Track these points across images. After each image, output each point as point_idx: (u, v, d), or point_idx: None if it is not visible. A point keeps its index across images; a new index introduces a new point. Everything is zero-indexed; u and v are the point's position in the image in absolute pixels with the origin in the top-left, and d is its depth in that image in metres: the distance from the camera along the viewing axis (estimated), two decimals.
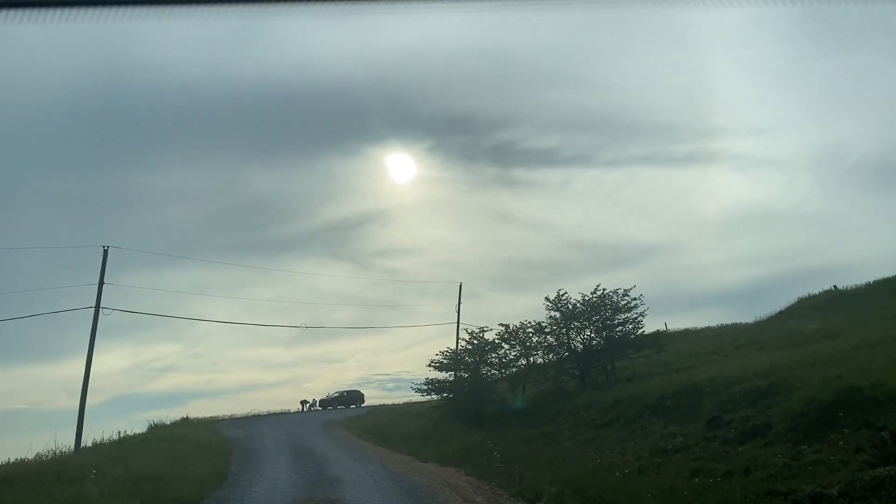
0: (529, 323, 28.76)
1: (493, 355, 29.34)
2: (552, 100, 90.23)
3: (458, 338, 54.31)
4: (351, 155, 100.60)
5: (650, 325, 31.45)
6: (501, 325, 28.93)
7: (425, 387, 29.64)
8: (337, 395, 60.96)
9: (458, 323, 58.45)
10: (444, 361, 29.65)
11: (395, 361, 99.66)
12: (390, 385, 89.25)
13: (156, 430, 26.70)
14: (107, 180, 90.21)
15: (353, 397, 60.89)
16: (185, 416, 38.67)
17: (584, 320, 28.29)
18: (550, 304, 28.71)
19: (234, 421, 44.79)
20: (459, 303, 59.22)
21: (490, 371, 29.55)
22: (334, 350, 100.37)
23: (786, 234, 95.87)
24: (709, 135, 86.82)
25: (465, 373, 29.48)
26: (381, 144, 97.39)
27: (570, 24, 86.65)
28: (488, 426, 27.19)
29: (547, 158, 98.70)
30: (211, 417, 46.82)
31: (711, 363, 27.04)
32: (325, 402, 59.88)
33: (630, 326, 27.84)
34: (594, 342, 28.45)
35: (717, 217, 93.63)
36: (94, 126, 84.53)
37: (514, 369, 29.13)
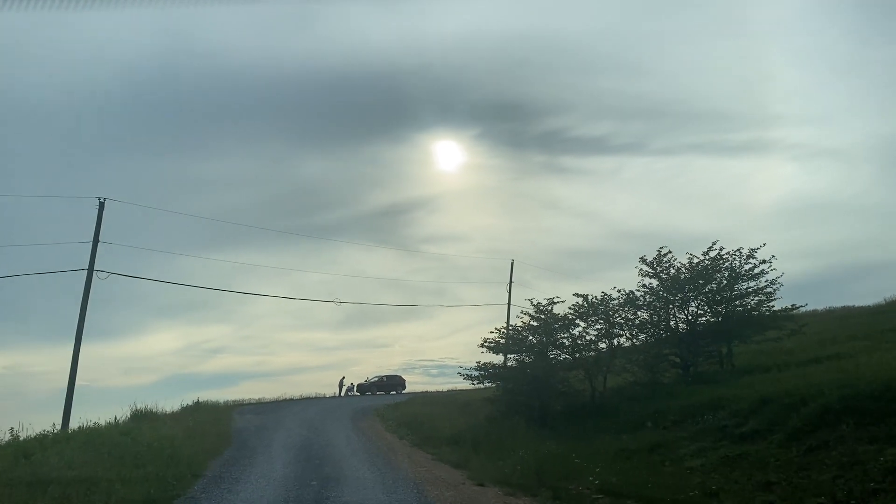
0: (619, 292, 21.94)
1: (565, 335, 22.67)
2: (603, 87, 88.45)
3: (508, 319, 48.93)
4: (399, 142, 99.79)
5: None
6: (578, 295, 22.23)
7: (476, 373, 23.19)
8: (376, 379, 55.52)
9: (508, 304, 52.80)
10: (501, 341, 23.12)
11: (439, 348, 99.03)
12: (434, 371, 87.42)
13: (141, 418, 21.12)
14: (163, 165, 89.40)
15: (394, 383, 55.41)
16: (196, 399, 33.34)
17: (691, 291, 21.32)
18: (647, 269, 21.81)
19: (258, 406, 39.42)
20: (511, 282, 53.83)
21: (560, 355, 22.91)
22: (380, 335, 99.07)
23: (844, 226, 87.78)
24: (765, 123, 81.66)
25: (527, 356, 22.89)
26: (429, 131, 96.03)
27: (623, 9, 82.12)
28: (559, 427, 20.68)
29: (597, 146, 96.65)
30: (235, 401, 41.82)
31: (870, 351, 19.86)
32: (363, 387, 54.51)
33: (755, 300, 20.73)
34: (703, 319, 21.52)
35: (773, 208, 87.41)
36: (151, 112, 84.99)
37: (591, 353, 22.45)
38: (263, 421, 28.85)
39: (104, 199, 29.02)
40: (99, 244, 28.80)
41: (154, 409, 22.56)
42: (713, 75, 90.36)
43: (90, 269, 28.43)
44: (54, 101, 73.96)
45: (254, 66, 78.32)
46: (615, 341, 22.28)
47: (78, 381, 26.87)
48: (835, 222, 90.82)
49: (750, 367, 20.45)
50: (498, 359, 23.55)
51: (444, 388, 53.12)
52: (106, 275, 29.01)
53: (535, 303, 22.52)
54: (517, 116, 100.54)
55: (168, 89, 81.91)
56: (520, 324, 23.08)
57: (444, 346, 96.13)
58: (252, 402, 43.69)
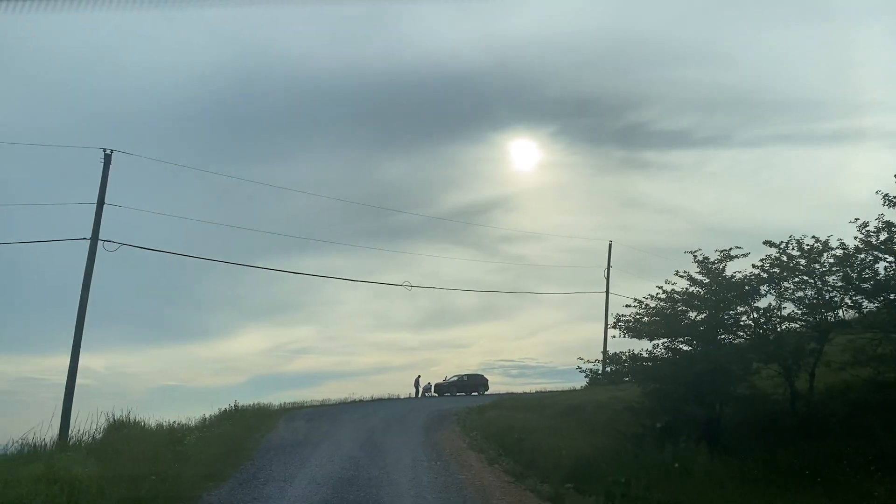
0: (860, 227, 13.53)
1: (741, 309, 14.57)
2: (685, 78, 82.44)
3: (607, 307, 42.55)
4: (475, 141, 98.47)
5: None
6: (771, 244, 14.06)
7: (612, 367, 15.41)
8: (455, 379, 48.60)
9: (607, 292, 45.82)
10: (646, 320, 15.19)
11: (518, 348, 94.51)
12: (514, 372, 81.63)
13: (118, 429, 14.81)
14: (244, 170, 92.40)
15: (476, 382, 48.28)
16: (235, 403, 27.22)
17: None
18: None
19: (317, 410, 33.08)
20: (609, 267, 47.12)
21: (734, 339, 14.85)
22: (459, 335, 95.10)
23: None
24: (859, 110, 72.43)
25: (687, 341, 14.92)
26: (505, 130, 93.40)
27: None
28: (749, 452, 12.71)
29: (680, 140, 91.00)
30: (294, 404, 36.15)
31: None
32: (441, 388, 47.71)
33: None
34: None
35: (869, 199, 76.58)
36: (231, 119, 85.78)
37: (791, 334, 14.32)
38: (311, 431, 22.21)
39: (111, 151, 23.17)
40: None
41: (140, 420, 16.09)
42: (801, 62, 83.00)
43: (94, 238, 22.60)
44: (133, 110, 73.98)
45: (331, 72, 78.12)
46: (831, 316, 14.01)
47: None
48: None
49: None
50: (641, 345, 15.74)
51: (527, 388, 48.94)
52: (115, 246, 23.16)
53: (699, 257, 14.54)
54: (596, 112, 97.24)
55: (247, 97, 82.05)
56: (664, 293, 15.14)
57: (523, 347, 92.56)
58: (315, 403, 37.79)
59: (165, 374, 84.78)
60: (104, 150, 23.07)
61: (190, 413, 23.22)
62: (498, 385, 51.47)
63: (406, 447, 17.88)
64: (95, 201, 22.68)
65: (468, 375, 49.10)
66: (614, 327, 15.35)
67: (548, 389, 41.14)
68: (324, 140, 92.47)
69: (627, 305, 15.45)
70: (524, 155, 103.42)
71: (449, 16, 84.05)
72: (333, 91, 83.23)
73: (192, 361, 79.74)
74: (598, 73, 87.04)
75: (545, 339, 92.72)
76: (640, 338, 15.08)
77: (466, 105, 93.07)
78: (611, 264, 45.65)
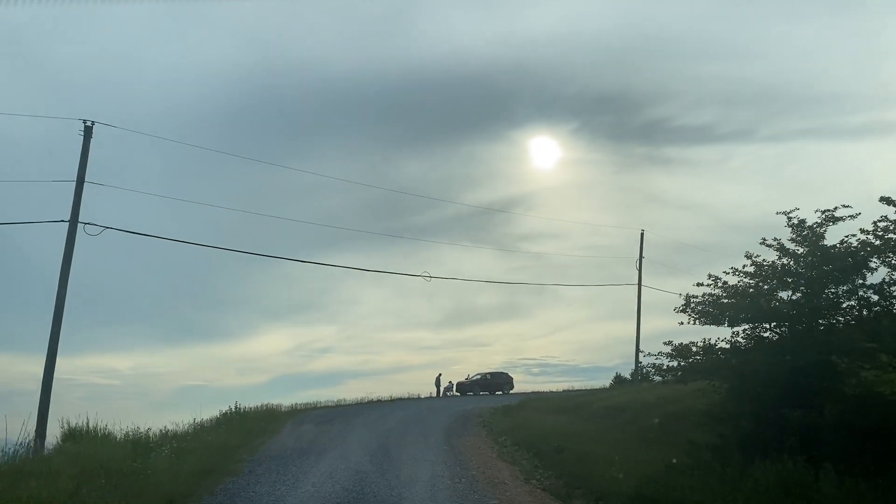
0: None
1: (846, 287, 11.49)
2: (707, 73, 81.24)
3: (639, 300, 40.66)
4: (495, 140, 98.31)
5: None
6: (889, 200, 10.92)
7: (676, 362, 12.38)
8: (479, 377, 45.84)
9: (639, 284, 43.39)
10: (726, 301, 12.05)
11: (539, 346, 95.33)
12: (535, 370, 79.62)
13: (70, 438, 12.19)
14: (264, 168, 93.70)
15: (500, 381, 45.46)
16: (236, 404, 24.69)
17: None
18: None
19: (331, 411, 30.52)
20: (641, 257, 44.86)
21: (834, 324, 11.77)
22: (480, 334, 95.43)
23: None
24: (887, 103, 72.24)
25: (775, 328, 11.86)
26: (525, 128, 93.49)
27: None
28: (852, 466, 9.73)
29: (702, 135, 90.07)
30: (306, 404, 33.92)
31: None
32: (463, 387, 45.05)
33: None
34: None
35: None
36: (254, 120, 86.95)
37: None
38: (318, 437, 19.53)
39: (92, 123, 20.61)
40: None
41: (103, 428, 13.41)
42: (825, 55, 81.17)
43: (73, 221, 20.06)
44: (153, 112, 73.51)
45: (351, 71, 78.15)
46: None
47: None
48: None
49: None
50: (719, 332, 12.65)
51: (550, 387, 48.38)
52: (98, 230, 20.65)
53: (794, 220, 11.51)
54: (617, 108, 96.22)
55: (267, 98, 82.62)
56: (753, 264, 12.12)
57: (544, 345, 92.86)
58: (330, 404, 35.34)
59: (190, 374, 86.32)
60: (84, 121, 20.60)
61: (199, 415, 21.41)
62: (521, 384, 49.03)
63: (424, 458, 15.06)
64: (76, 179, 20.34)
65: (492, 373, 46.27)
66: (682, 311, 12.36)
67: (574, 388, 39.73)
68: (343, 139, 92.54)
69: (699, 284, 12.43)
70: (544, 152, 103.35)
71: (468, 14, 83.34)
72: (353, 90, 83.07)
73: (216, 361, 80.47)
74: (619, 69, 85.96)
75: (566, 337, 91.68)
76: (717, 324, 12.03)
77: (486, 103, 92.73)
78: (643, 255, 43.12)
